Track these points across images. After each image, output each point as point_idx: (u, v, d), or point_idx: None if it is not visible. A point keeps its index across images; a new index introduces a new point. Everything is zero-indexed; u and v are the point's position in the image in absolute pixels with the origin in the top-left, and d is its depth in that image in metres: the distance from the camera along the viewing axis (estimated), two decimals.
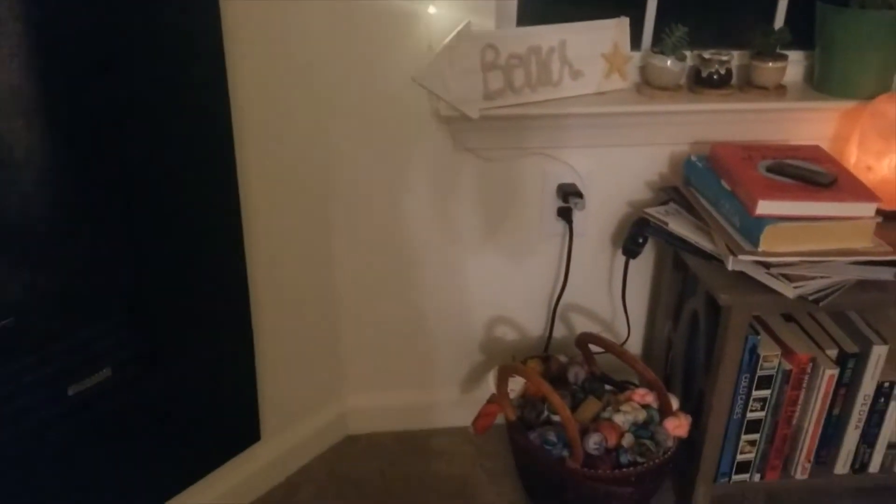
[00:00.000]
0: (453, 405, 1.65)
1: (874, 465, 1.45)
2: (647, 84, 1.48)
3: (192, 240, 1.20)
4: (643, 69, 1.50)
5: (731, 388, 1.33)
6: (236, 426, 1.39)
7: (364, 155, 1.42)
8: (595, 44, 1.44)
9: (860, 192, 1.22)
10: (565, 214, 1.50)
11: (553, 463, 1.29)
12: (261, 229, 1.33)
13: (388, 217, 1.48)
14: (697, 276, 1.33)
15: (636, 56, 1.51)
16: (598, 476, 1.27)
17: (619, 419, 1.33)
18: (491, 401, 1.39)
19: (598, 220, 1.55)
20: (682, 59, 1.44)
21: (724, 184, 1.31)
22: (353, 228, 1.47)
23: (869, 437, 1.42)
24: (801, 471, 1.43)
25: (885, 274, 1.23)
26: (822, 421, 1.40)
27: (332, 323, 1.54)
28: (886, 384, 1.38)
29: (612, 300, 1.62)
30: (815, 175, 1.26)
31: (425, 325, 1.58)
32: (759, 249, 1.21)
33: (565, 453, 1.28)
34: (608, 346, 1.38)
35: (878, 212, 1.22)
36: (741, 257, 1.20)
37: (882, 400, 1.39)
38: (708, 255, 1.30)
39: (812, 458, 1.43)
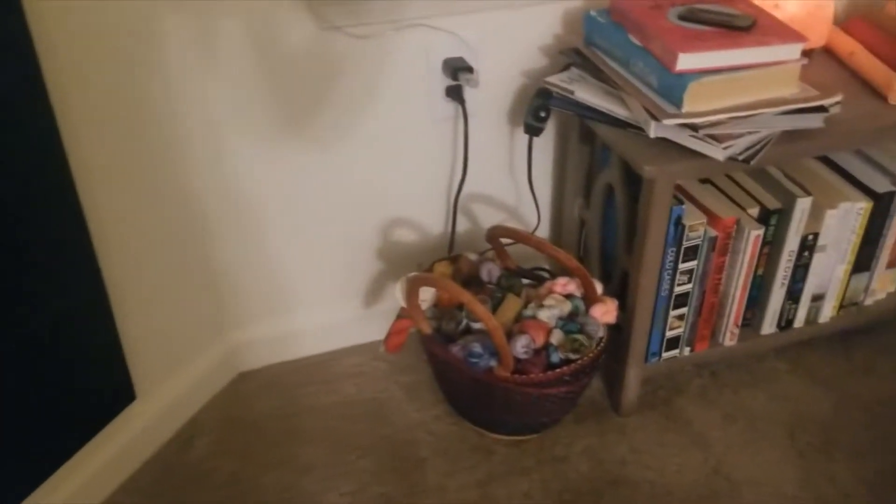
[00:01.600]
0: (356, 322, 1.49)
1: (799, 321, 1.41)
2: None
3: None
4: None
5: (657, 264, 1.22)
6: (104, 388, 1.18)
7: (210, 51, 1.17)
8: None
9: (784, 32, 1.10)
10: (456, 93, 1.32)
11: (480, 375, 1.16)
12: (88, 149, 1.08)
13: (252, 116, 1.24)
14: (612, 148, 1.19)
15: None
16: (530, 381, 1.15)
17: (543, 315, 1.20)
18: (401, 315, 1.24)
19: (490, 95, 1.37)
20: None
21: (634, 39, 1.15)
22: (213, 137, 1.23)
23: (794, 292, 1.37)
24: (729, 337, 1.37)
25: (814, 121, 1.12)
26: (749, 284, 1.33)
27: (199, 252, 1.32)
28: (810, 237, 1.31)
29: (516, 184, 1.47)
30: (732, 19, 1.12)
31: (309, 238, 1.39)
32: (684, 111, 1.07)
33: (493, 363, 1.15)
34: (523, 239, 1.24)
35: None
36: (665, 122, 1.06)
37: (806, 253, 1.33)
38: (622, 123, 1.16)
39: (739, 323, 1.37)
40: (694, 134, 1.08)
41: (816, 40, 1.33)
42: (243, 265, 1.37)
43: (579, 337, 1.17)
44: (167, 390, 1.32)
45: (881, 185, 1.33)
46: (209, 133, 1.22)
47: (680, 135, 1.09)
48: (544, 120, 1.30)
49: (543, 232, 1.55)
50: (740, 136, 1.09)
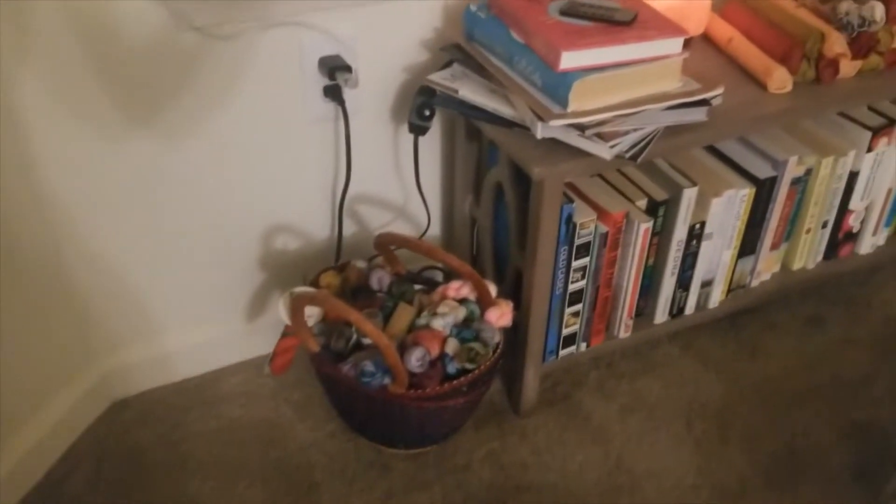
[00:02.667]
0: (239, 337, 1.41)
1: (690, 307, 1.42)
2: None
3: None
4: None
5: (550, 263, 1.19)
6: None
7: (52, 60, 1.05)
8: None
9: (665, 26, 1.08)
10: (334, 93, 1.24)
11: (374, 392, 1.10)
12: None
13: (103, 130, 1.14)
14: (499, 148, 1.15)
15: None
16: (427, 395, 1.10)
17: (437, 324, 1.16)
18: (286, 334, 1.17)
19: (372, 93, 1.30)
20: None
21: (516, 35, 1.11)
22: (64, 151, 1.12)
23: (683, 280, 1.37)
24: (623, 329, 1.37)
25: (697, 115, 1.11)
26: (640, 275, 1.32)
27: (54, 276, 1.21)
28: (697, 225, 1.31)
29: (404, 183, 1.41)
30: (613, 13, 1.09)
31: (183, 252, 1.29)
32: (570, 110, 1.04)
33: (386, 381, 1.10)
34: (412, 246, 1.19)
35: None
36: (552, 123, 1.02)
37: (694, 242, 1.33)
38: (509, 122, 1.12)
39: (633, 314, 1.36)
40: (581, 134, 1.04)
41: (695, 28, 1.33)
42: (104, 286, 1.26)
43: (475, 345, 1.13)
44: (35, 426, 1.21)
45: (763, 170, 1.35)
46: (25, 134, 1.11)
47: (567, 135, 1.06)
48: (429, 119, 1.25)
49: (435, 230, 1.50)
50: (626, 133, 1.07)
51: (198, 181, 1.24)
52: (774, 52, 1.25)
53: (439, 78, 1.19)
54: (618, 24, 1.07)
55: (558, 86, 1.04)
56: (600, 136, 1.05)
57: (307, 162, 1.31)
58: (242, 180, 1.28)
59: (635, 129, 1.08)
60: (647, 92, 1.08)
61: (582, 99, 1.04)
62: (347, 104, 1.25)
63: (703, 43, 1.37)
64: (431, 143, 1.40)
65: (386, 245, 1.23)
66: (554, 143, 1.08)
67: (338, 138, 1.31)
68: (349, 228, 1.41)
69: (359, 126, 1.31)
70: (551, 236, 1.16)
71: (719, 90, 1.11)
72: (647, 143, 1.08)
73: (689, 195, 1.27)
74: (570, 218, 1.17)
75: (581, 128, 1.04)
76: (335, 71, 1.21)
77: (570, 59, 1.02)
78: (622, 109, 1.05)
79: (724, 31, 1.34)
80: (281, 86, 1.22)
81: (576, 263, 1.23)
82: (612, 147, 1.05)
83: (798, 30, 1.25)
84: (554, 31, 1.05)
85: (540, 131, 1.05)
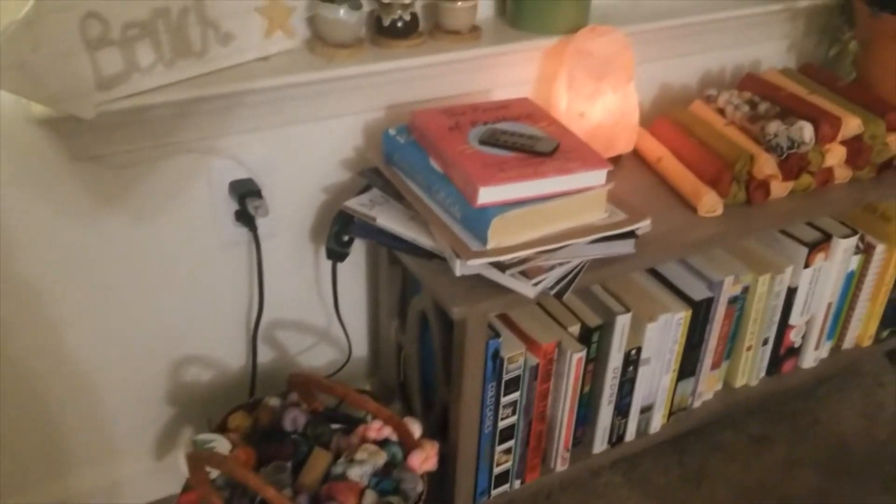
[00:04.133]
0: (146, 476, 1.29)
1: (630, 434, 1.35)
2: (321, 40, 1.17)
3: None
4: (313, 21, 1.18)
5: (477, 402, 1.12)
6: None
7: None
8: None
9: (588, 157, 1.03)
10: (246, 218, 1.17)
11: None
12: None
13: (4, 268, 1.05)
14: (419, 281, 1.08)
15: (300, 5, 1.18)
16: None
17: (354, 474, 1.06)
18: (187, 488, 1.06)
19: (289, 214, 1.23)
20: (357, 6, 1.14)
21: (434, 164, 1.06)
22: None
23: (622, 407, 1.30)
24: (560, 461, 1.29)
25: (624, 248, 1.06)
26: (576, 405, 1.25)
27: None
28: (633, 351, 1.25)
29: (326, 306, 1.33)
30: (535, 143, 1.04)
31: (90, 383, 1.19)
32: (489, 247, 0.98)
33: None
34: (325, 390, 1.10)
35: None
36: (470, 263, 0.96)
37: (631, 368, 1.27)
38: (429, 254, 1.05)
39: (570, 446, 1.29)
40: (503, 272, 0.98)
41: (625, 146, 1.29)
42: (13, 422, 1.15)
43: (393, 500, 1.04)
44: None
45: (699, 291, 1.30)
46: None
47: (488, 271, 1.00)
48: (348, 244, 1.18)
49: (361, 353, 1.42)
50: (551, 268, 1.01)
51: (104, 308, 1.15)
52: (704, 174, 1.22)
53: (357, 204, 1.12)
54: (539, 155, 1.02)
55: (477, 221, 0.98)
56: (524, 273, 0.99)
57: (220, 288, 1.23)
58: (151, 308, 1.18)
59: (560, 264, 1.02)
60: (571, 224, 1.03)
61: (502, 235, 0.98)
62: (262, 228, 1.18)
63: (633, 160, 1.33)
64: (356, 261, 1.32)
65: (298, 385, 1.14)
66: (476, 277, 1.01)
67: (252, 263, 1.23)
68: (267, 355, 1.32)
69: (276, 249, 1.24)
70: (477, 373, 1.09)
71: (646, 222, 1.06)
72: (573, 278, 1.02)
73: (623, 321, 1.21)
74: (496, 353, 1.10)
75: (502, 267, 0.98)
76: (245, 197, 1.14)
77: (487, 194, 0.97)
78: (545, 245, 0.99)
79: (654, 150, 1.30)
80: (191, 210, 1.15)
81: (505, 399, 1.15)
82: (536, 285, 0.99)
83: (727, 151, 1.22)
84: (472, 163, 1.00)
85: (458, 269, 0.98)
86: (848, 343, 1.57)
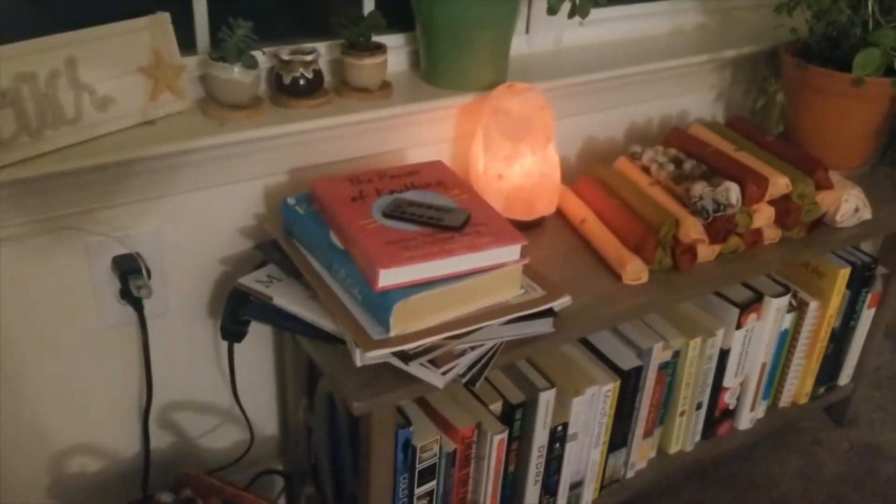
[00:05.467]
0: None
1: None
2: (215, 101, 1.08)
3: None
4: (205, 80, 1.09)
5: (389, 494, 1.02)
6: None
7: None
8: (124, 55, 1.00)
9: (501, 232, 0.95)
10: (132, 297, 1.06)
11: None
12: None
13: None
14: (320, 368, 0.99)
15: (191, 63, 1.09)
16: None
17: None
18: None
19: (184, 289, 1.13)
20: (253, 65, 1.06)
21: (335, 239, 0.97)
22: None
23: (550, 485, 1.22)
24: None
25: (542, 327, 0.98)
26: (499, 487, 1.16)
27: None
28: (559, 427, 1.18)
29: (228, 385, 1.22)
30: (443, 215, 0.96)
31: None
32: (392, 335, 0.89)
33: None
34: (216, 492, 0.99)
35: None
36: (370, 354, 0.87)
37: (557, 445, 1.19)
38: (330, 337, 0.96)
39: None
40: (408, 364, 0.89)
41: (546, 208, 1.22)
42: None
43: None
44: None
45: (627, 359, 1.23)
46: None
47: (393, 360, 0.90)
48: (246, 323, 1.08)
49: (271, 431, 1.31)
50: (462, 352, 0.93)
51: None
52: (628, 239, 1.15)
53: (252, 281, 1.02)
54: (447, 230, 0.94)
55: (379, 306, 0.89)
56: (432, 361, 0.90)
57: (107, 371, 1.11)
58: (26, 394, 1.06)
59: (473, 347, 0.94)
60: (483, 304, 0.95)
61: (406, 322, 0.89)
62: (151, 306, 1.08)
63: (557, 220, 1.26)
64: (262, 332, 1.22)
65: (186, 485, 1.03)
66: (382, 364, 0.92)
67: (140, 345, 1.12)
68: (165, 440, 1.21)
69: (169, 326, 1.13)
70: (387, 465, 0.99)
71: (565, 299, 0.98)
72: (489, 359, 0.94)
73: (548, 397, 1.13)
74: (407, 443, 1.01)
75: (406, 357, 0.89)
76: (129, 276, 1.03)
77: (389, 277, 0.88)
78: (455, 329, 0.91)
79: (578, 211, 1.24)
80: (70, 290, 1.04)
81: (419, 490, 1.06)
82: (445, 373, 0.90)
83: (652, 214, 1.16)
84: (373, 240, 0.91)
85: (359, 359, 0.89)
86: (784, 401, 1.52)
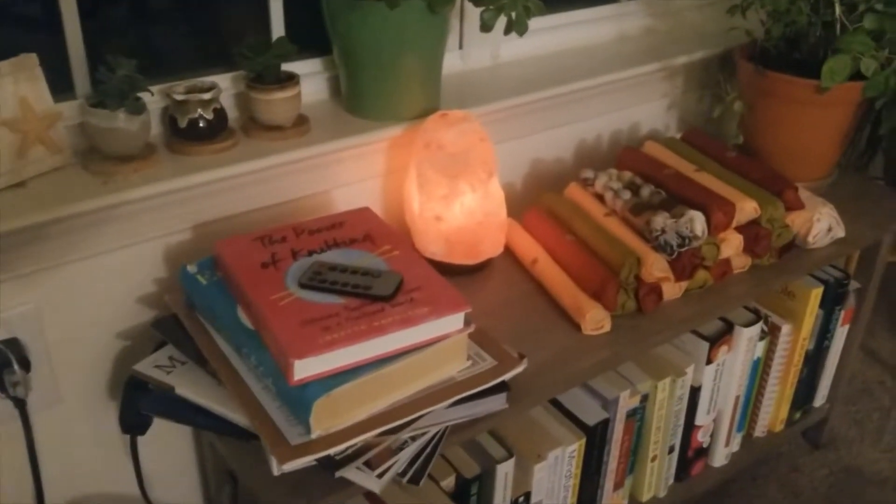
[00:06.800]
0: None
1: None
2: (99, 152, 0.92)
3: None
4: (85, 129, 0.93)
5: None
6: None
7: None
8: None
9: (439, 298, 0.81)
10: (7, 389, 0.89)
11: None
12: None
13: None
14: (231, 471, 0.84)
15: (69, 109, 0.93)
16: None
17: None
18: None
19: (77, 372, 0.97)
20: (139, 109, 0.90)
21: (243, 317, 0.81)
22: None
23: None
24: None
25: (495, 404, 0.84)
26: None
27: None
28: (521, 498, 1.04)
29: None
30: (371, 281, 0.82)
31: None
32: (314, 436, 0.74)
33: None
34: None
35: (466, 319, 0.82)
36: (288, 466, 0.72)
37: None
38: (245, 433, 0.81)
39: None
40: (337, 470, 0.75)
41: (492, 250, 1.09)
42: None
43: None
44: None
45: (592, 413, 1.10)
46: None
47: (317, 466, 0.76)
48: (149, 415, 0.92)
49: None
50: (403, 445, 0.79)
51: None
52: (587, 283, 1.02)
53: (151, 367, 0.87)
54: (376, 300, 0.79)
55: (296, 402, 0.74)
56: (367, 463, 0.76)
57: None
58: None
59: (413, 438, 0.79)
60: (424, 385, 0.80)
61: (330, 419, 0.74)
62: (39, 396, 0.91)
63: (505, 261, 1.13)
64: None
65: None
66: (306, 469, 0.77)
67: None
68: None
69: (63, 416, 0.97)
70: None
71: (520, 368, 0.85)
72: (432, 453, 0.80)
73: (505, 469, 1.00)
74: None
75: (333, 465, 0.74)
76: (2, 369, 0.87)
77: (306, 368, 0.73)
78: (391, 421, 0.77)
79: (528, 250, 1.10)
80: None
81: None
82: (382, 475, 0.76)
83: (610, 252, 1.03)
84: (286, 321, 0.76)
85: (276, 469, 0.74)
86: (759, 431, 1.41)
